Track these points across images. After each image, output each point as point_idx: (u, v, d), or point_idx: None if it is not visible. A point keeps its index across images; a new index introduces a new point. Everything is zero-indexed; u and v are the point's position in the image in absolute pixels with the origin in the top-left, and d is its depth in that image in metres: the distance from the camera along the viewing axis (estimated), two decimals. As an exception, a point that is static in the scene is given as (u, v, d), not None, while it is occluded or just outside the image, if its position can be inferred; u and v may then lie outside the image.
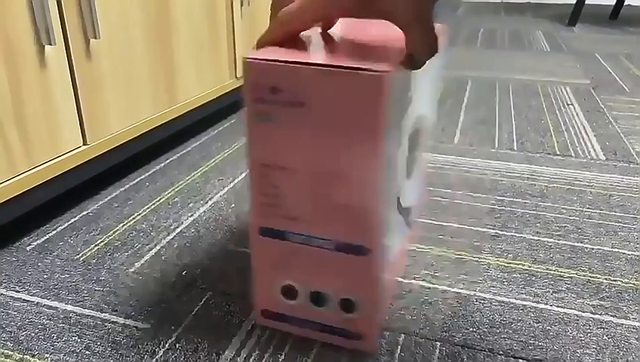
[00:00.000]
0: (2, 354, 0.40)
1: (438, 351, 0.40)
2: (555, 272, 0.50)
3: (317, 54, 0.34)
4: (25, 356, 0.39)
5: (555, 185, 0.68)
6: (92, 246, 0.54)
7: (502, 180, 0.69)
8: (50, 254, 0.52)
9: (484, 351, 0.40)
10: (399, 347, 0.40)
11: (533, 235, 0.56)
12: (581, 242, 0.55)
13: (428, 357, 0.39)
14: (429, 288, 0.47)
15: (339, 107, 0.33)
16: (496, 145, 0.81)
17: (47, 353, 0.40)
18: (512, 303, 0.45)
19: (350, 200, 0.35)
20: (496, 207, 0.62)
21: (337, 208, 0.36)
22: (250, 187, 0.37)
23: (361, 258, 0.36)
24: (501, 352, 0.40)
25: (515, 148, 0.80)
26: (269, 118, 0.34)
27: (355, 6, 0.34)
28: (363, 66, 0.32)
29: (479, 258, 0.52)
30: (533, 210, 0.61)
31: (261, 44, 0.37)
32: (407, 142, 0.40)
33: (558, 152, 0.79)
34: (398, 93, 0.34)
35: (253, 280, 0.40)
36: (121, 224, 0.58)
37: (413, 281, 0.48)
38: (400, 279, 0.48)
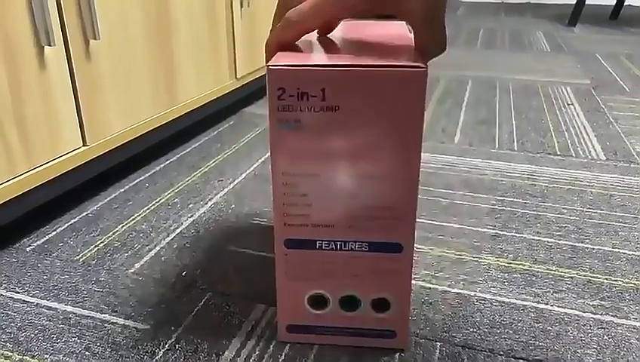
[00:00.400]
0: (2, 354, 0.39)
1: (438, 351, 0.40)
2: (556, 272, 0.50)
3: (338, 56, 0.34)
4: (24, 357, 0.39)
5: (555, 185, 0.68)
6: (92, 247, 0.54)
7: (502, 180, 0.69)
8: (50, 255, 0.52)
9: (485, 351, 0.40)
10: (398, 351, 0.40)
11: (533, 235, 0.56)
12: (582, 242, 0.55)
13: (428, 357, 0.39)
14: (430, 288, 0.47)
15: (376, 107, 0.32)
16: (497, 146, 0.81)
17: (46, 354, 0.39)
18: (513, 303, 0.45)
19: (388, 200, 0.35)
20: (496, 207, 0.62)
21: (373, 210, 0.35)
22: (276, 198, 0.36)
23: (396, 255, 0.37)
24: (501, 352, 0.40)
25: (516, 148, 0.80)
26: (295, 125, 0.33)
27: (367, 4, 0.34)
28: (401, 64, 0.31)
29: (479, 258, 0.52)
30: (534, 210, 0.61)
31: (272, 44, 0.36)
32: None
33: (558, 152, 0.78)
34: None
35: (278, 296, 0.39)
36: (121, 225, 0.58)
37: (413, 281, 0.48)
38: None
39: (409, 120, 0.33)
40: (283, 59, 0.33)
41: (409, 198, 0.35)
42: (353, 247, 0.37)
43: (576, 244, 0.54)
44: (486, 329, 0.42)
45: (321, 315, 0.40)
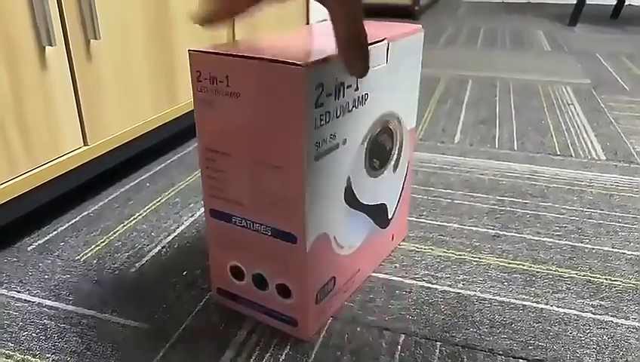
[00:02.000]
0: (4, 354, 0.40)
1: (438, 351, 0.40)
2: (555, 272, 0.50)
3: (253, 49, 0.36)
4: (26, 356, 0.39)
5: (555, 185, 0.68)
6: (93, 246, 0.54)
7: (502, 180, 0.69)
8: (51, 255, 0.52)
9: (484, 351, 0.40)
10: (399, 347, 0.40)
11: (533, 235, 0.56)
12: (581, 242, 0.55)
13: (428, 357, 0.39)
14: (429, 288, 0.47)
15: (265, 98, 0.34)
16: (497, 145, 0.81)
17: (48, 353, 0.40)
18: (512, 303, 0.45)
19: (279, 189, 0.36)
20: (496, 207, 0.62)
21: (271, 195, 0.37)
22: (202, 171, 0.40)
23: (291, 245, 0.38)
24: (501, 352, 0.40)
25: (516, 148, 0.80)
26: (210, 106, 0.37)
27: None
28: (283, 59, 0.33)
29: (479, 258, 0.52)
30: (534, 210, 0.61)
31: (200, 16, 0.31)
32: (367, 139, 0.41)
33: (558, 152, 0.79)
34: (331, 87, 0.35)
35: (210, 259, 0.43)
36: (122, 224, 0.58)
37: (413, 282, 0.48)
38: (400, 279, 0.48)
39: (293, 114, 0.34)
40: (210, 46, 0.36)
41: (297, 191, 0.36)
42: (259, 229, 0.39)
43: (576, 244, 0.54)
44: (486, 329, 0.42)
45: (240, 286, 0.42)
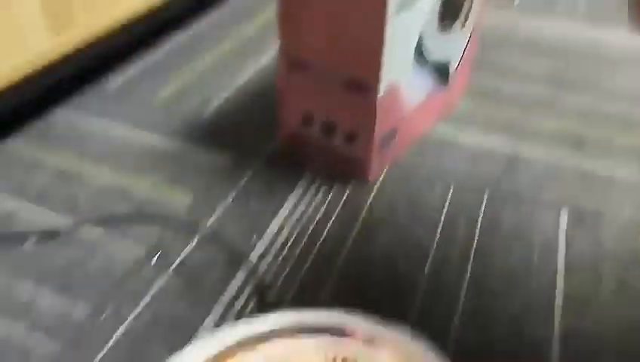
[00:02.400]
0: (107, 172, 0.46)
1: (486, 197, 0.44)
2: (607, 137, 0.52)
3: None
4: (127, 177, 0.46)
5: (621, 54, 0.66)
6: (165, 91, 0.58)
7: (561, 44, 0.68)
8: (131, 94, 0.57)
9: (529, 200, 0.44)
10: (450, 195, 0.45)
11: (587, 103, 0.57)
12: (638, 109, 0.55)
13: (476, 203, 0.44)
14: (481, 147, 0.50)
15: None
16: (561, 8, 0.78)
17: (145, 174, 0.46)
18: (560, 165, 0.48)
19: (358, 38, 0.38)
20: (554, 71, 0.62)
21: (349, 43, 0.39)
22: (280, 18, 0.42)
23: (363, 93, 0.41)
24: (546, 201, 0.44)
25: (580, 12, 0.77)
26: None
27: None
28: None
29: (530, 120, 0.54)
30: (593, 77, 0.61)
31: None
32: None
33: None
34: None
35: (280, 104, 0.46)
36: (190, 71, 0.61)
37: (466, 139, 0.51)
38: (454, 136, 0.51)
39: None
40: None
41: (376, 41, 0.38)
42: (334, 76, 0.42)
43: (632, 110, 0.55)
44: (532, 182, 0.46)
45: (309, 131, 0.46)
